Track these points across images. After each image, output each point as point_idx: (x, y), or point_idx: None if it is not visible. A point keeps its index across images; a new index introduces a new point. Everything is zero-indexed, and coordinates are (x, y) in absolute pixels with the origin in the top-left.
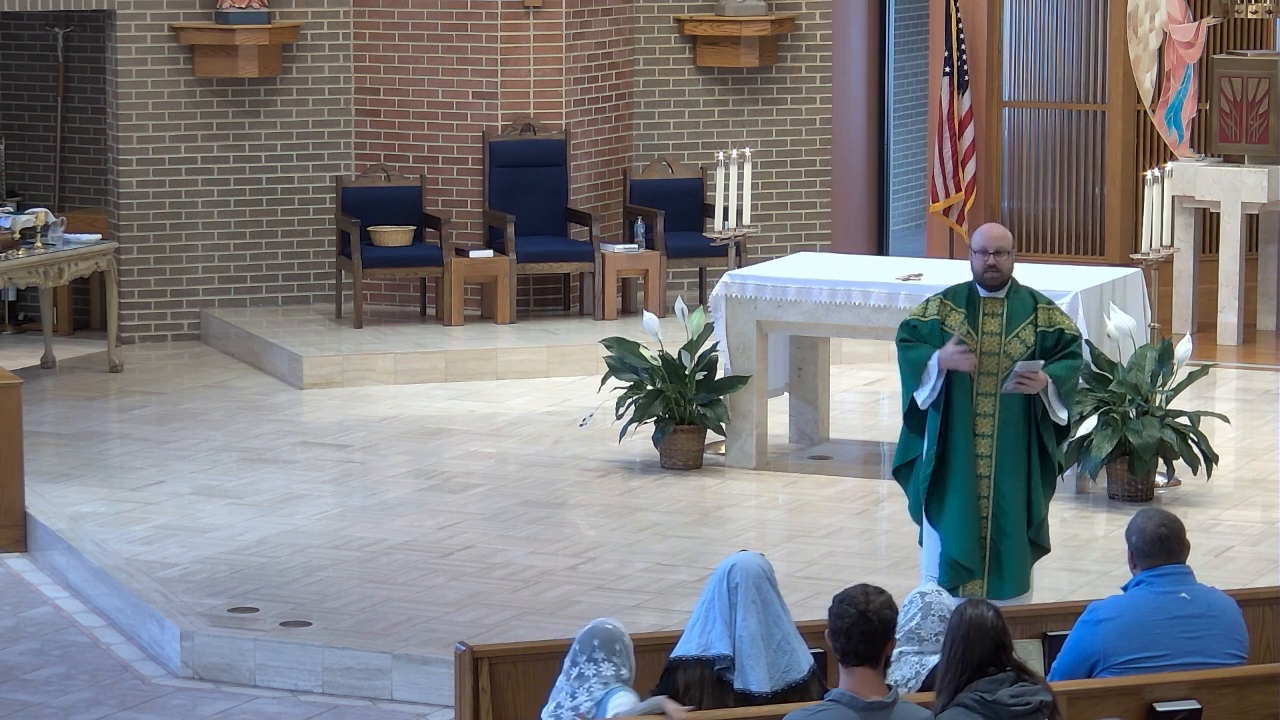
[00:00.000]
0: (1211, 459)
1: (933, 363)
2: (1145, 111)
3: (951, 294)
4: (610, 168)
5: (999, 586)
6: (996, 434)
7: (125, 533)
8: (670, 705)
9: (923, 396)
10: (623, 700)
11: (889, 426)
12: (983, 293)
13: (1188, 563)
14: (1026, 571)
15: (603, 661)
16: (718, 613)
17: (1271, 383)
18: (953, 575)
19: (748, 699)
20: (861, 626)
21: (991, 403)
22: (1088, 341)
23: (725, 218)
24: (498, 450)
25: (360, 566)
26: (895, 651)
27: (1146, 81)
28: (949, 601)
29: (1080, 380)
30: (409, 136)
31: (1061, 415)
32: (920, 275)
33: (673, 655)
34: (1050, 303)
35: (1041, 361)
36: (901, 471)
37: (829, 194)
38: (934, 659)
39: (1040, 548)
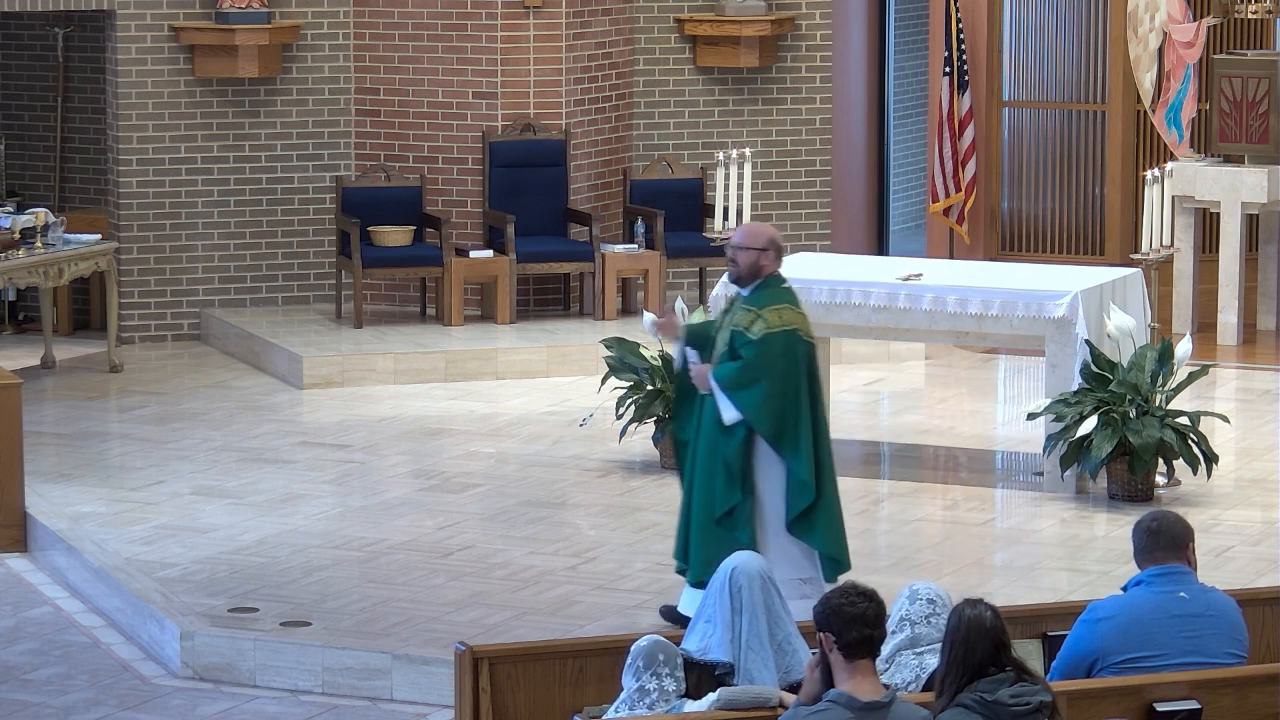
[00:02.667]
0: (1211, 459)
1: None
2: (1145, 111)
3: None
4: (610, 168)
5: (689, 567)
6: (700, 427)
7: (125, 533)
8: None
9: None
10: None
11: (889, 426)
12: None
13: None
14: (701, 563)
15: (666, 676)
16: (718, 617)
17: (1271, 383)
18: (676, 551)
19: None
20: (874, 610)
21: (706, 398)
22: (1087, 342)
23: (725, 218)
24: (498, 450)
25: (360, 566)
26: (895, 653)
27: (1146, 81)
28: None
29: (752, 383)
30: (409, 136)
31: (725, 415)
32: (920, 275)
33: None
34: (765, 308)
35: (694, 354)
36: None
37: (829, 194)
38: (933, 660)
39: (739, 545)
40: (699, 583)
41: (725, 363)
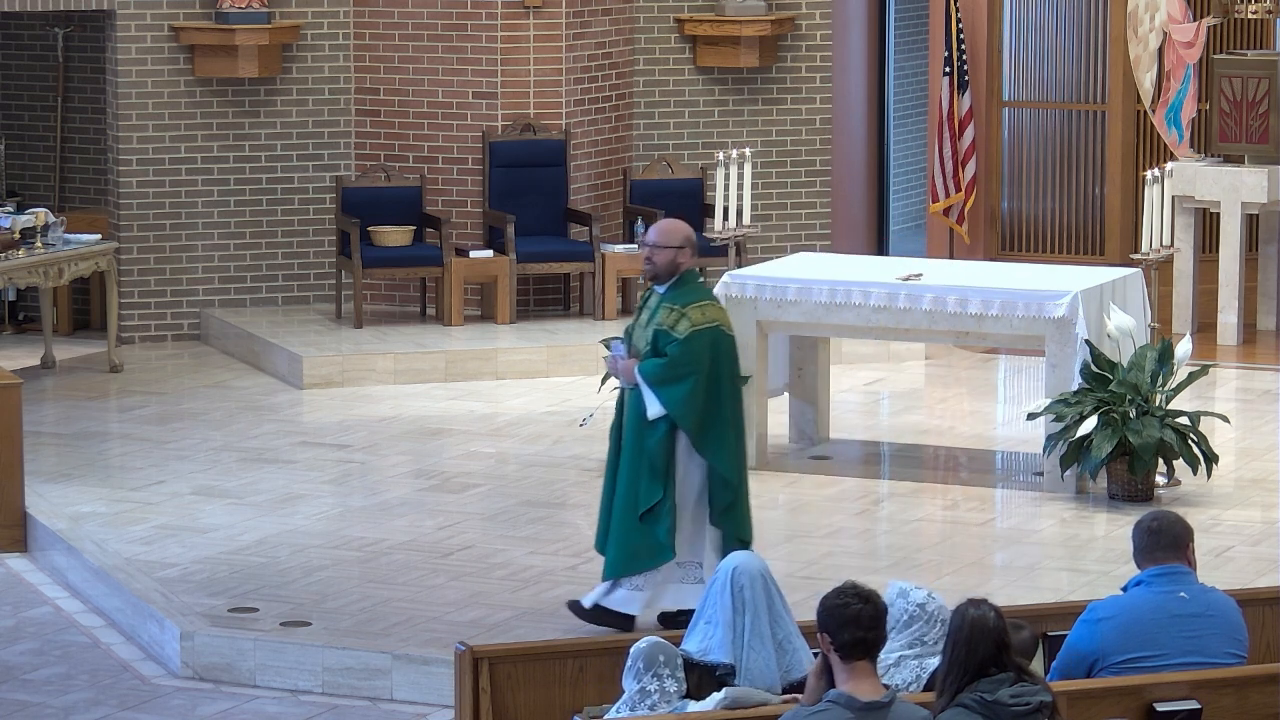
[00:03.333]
0: (1211, 459)
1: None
2: (1145, 111)
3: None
4: (610, 168)
5: (605, 567)
6: (625, 422)
7: (125, 533)
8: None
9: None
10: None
11: (889, 426)
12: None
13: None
14: (621, 555)
15: (667, 677)
16: (718, 620)
17: (1271, 383)
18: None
19: None
20: (870, 612)
21: (630, 392)
22: (1087, 342)
23: (725, 218)
24: (498, 450)
25: (360, 566)
26: (895, 656)
27: (1146, 81)
28: (941, 602)
29: (677, 380)
30: (409, 136)
31: (649, 410)
32: (920, 275)
33: (680, 648)
34: (689, 305)
35: (621, 348)
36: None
37: (829, 194)
38: (933, 661)
39: (659, 542)
40: (613, 579)
41: (650, 359)
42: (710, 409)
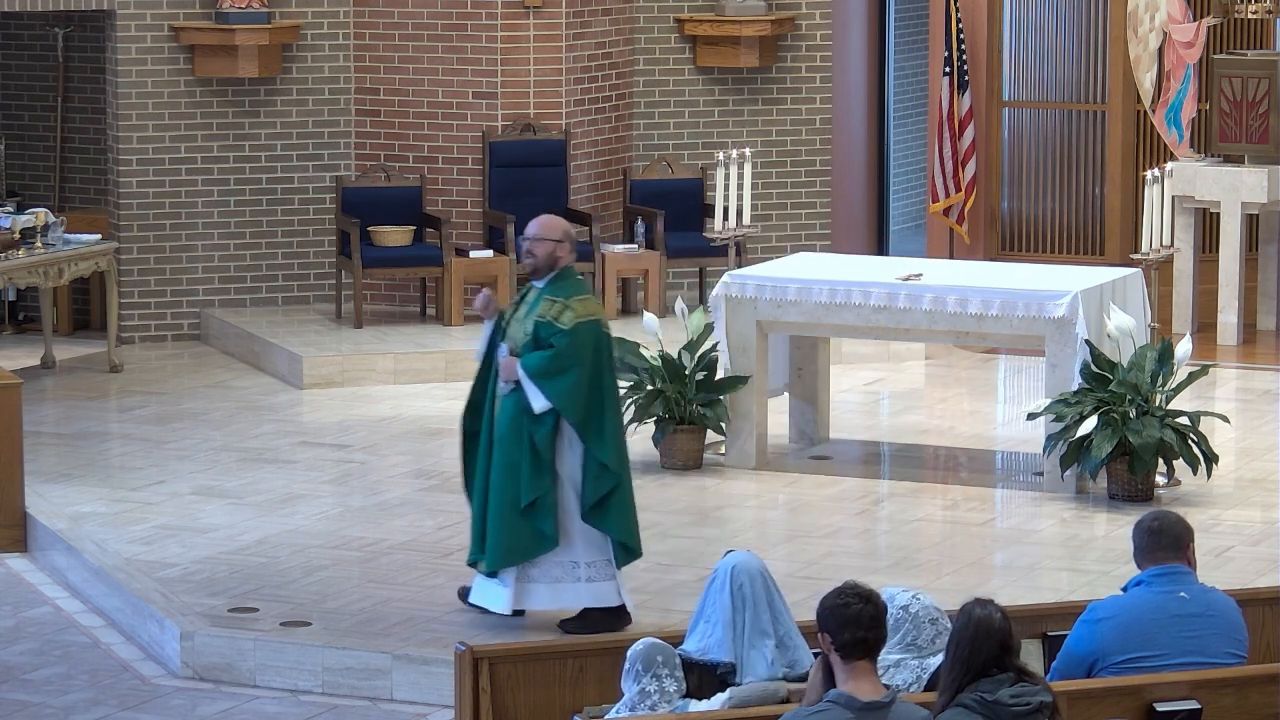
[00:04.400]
0: (1211, 459)
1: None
2: (1145, 111)
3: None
4: (610, 168)
5: (485, 558)
6: (498, 416)
7: (125, 533)
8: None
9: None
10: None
11: (889, 426)
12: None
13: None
14: (500, 553)
15: (666, 678)
16: (718, 619)
17: (1271, 383)
18: (470, 550)
19: None
20: (870, 612)
21: (506, 386)
22: (1087, 342)
23: (725, 218)
24: None
25: (360, 566)
26: (895, 657)
27: (1146, 81)
28: (927, 602)
29: (563, 371)
30: (409, 136)
31: (534, 404)
32: (920, 275)
33: (679, 649)
34: (572, 298)
35: (505, 349)
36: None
37: (829, 194)
38: (934, 661)
39: (542, 534)
40: (494, 573)
41: (532, 353)
42: (593, 400)
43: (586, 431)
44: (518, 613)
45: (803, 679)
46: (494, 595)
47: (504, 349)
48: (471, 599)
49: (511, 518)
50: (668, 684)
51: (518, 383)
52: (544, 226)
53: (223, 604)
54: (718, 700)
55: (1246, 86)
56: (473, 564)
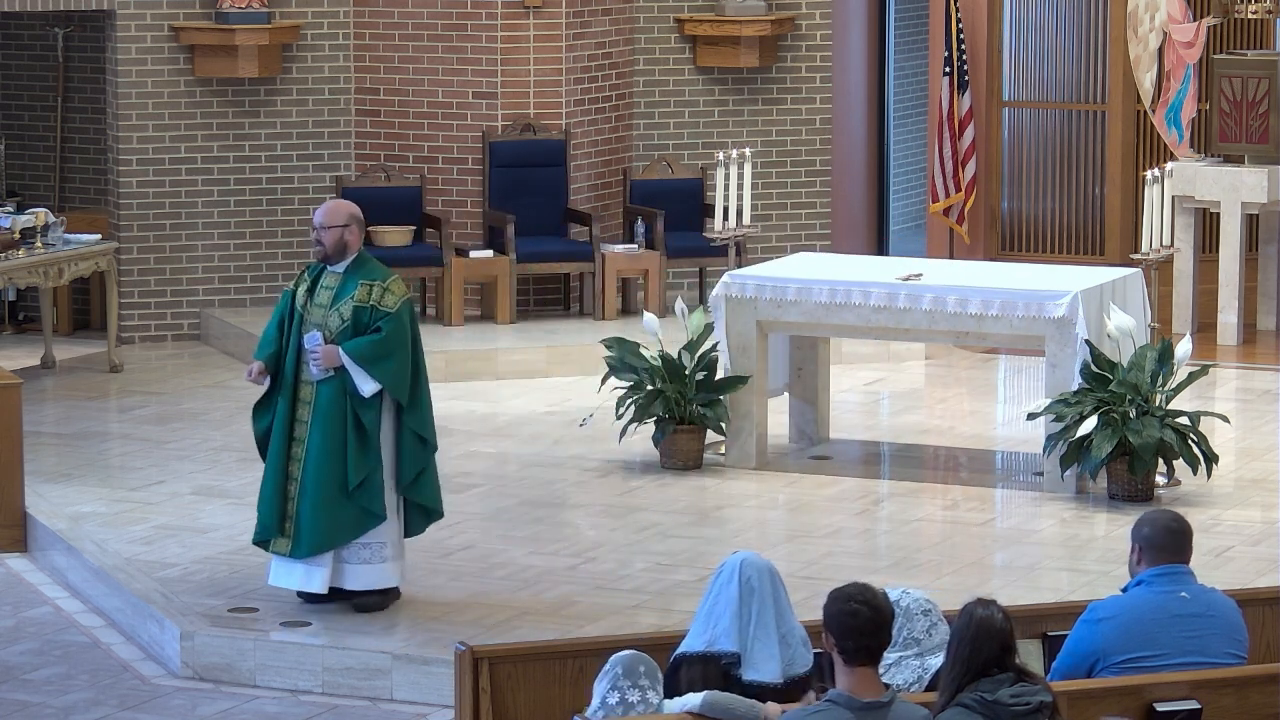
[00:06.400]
0: (1211, 459)
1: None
2: (1145, 111)
3: (313, 266)
4: (610, 168)
5: (296, 546)
6: (314, 402)
7: (125, 533)
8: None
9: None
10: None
11: (889, 426)
12: (327, 266)
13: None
14: (323, 535)
15: (649, 689)
16: (725, 609)
17: (1271, 383)
18: (258, 531)
19: (758, 691)
20: (876, 621)
21: (322, 372)
22: (1087, 342)
23: (725, 218)
24: (498, 450)
25: None
26: (895, 656)
27: (1146, 81)
28: (917, 595)
29: (390, 355)
30: (409, 136)
31: (364, 388)
32: (920, 275)
33: (677, 652)
34: (383, 281)
35: (318, 336)
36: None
37: (829, 194)
38: (934, 660)
39: (369, 513)
40: (311, 555)
41: (355, 338)
42: (413, 377)
43: (409, 408)
44: (328, 594)
45: (799, 679)
46: (302, 575)
47: (315, 336)
48: (272, 581)
49: (338, 499)
50: (650, 695)
51: (338, 368)
52: (330, 213)
53: (223, 604)
54: (690, 700)
55: (1246, 86)
56: (262, 543)
